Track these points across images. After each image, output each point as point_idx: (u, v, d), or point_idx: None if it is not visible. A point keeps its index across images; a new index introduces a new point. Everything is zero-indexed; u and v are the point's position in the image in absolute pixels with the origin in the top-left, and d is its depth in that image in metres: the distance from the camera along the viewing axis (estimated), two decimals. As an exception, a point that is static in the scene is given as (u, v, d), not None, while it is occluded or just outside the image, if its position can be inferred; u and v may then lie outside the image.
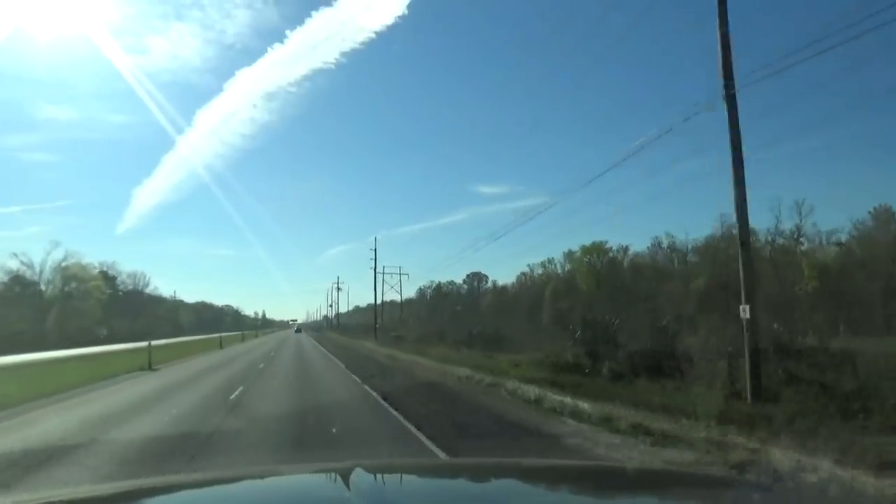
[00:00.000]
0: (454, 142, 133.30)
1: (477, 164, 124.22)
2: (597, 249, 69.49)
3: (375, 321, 61.98)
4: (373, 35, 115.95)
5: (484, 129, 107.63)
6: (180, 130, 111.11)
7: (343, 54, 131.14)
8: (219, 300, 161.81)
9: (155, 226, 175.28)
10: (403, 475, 2.80)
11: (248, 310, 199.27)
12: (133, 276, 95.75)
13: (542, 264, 79.73)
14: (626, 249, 69.71)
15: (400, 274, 66.69)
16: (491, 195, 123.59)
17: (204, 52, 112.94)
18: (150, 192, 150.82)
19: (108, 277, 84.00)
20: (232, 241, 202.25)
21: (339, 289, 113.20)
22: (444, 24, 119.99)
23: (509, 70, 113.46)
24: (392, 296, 72.91)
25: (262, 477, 2.79)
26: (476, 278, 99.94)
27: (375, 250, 64.37)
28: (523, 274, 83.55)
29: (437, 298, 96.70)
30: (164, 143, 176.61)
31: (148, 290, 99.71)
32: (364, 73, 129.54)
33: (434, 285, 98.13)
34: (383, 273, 65.93)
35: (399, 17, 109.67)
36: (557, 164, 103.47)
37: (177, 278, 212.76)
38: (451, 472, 3.02)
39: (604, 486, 2.51)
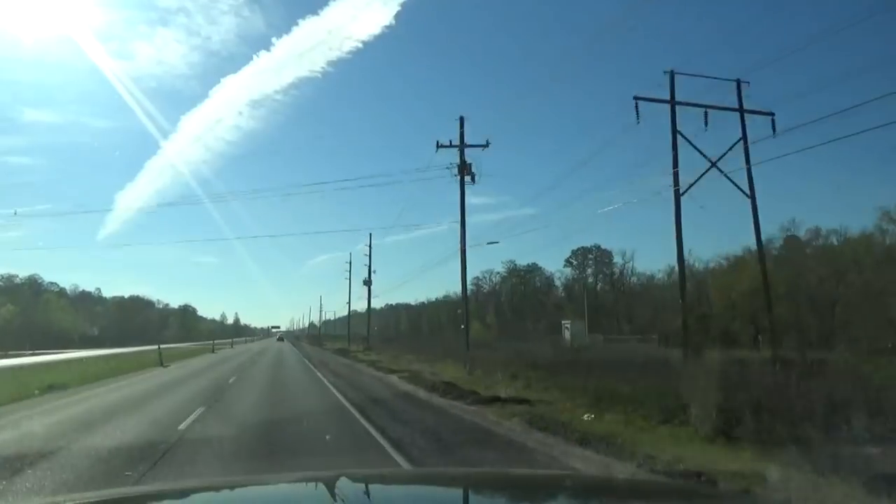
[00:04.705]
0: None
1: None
2: None
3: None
4: (360, 44, 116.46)
5: (469, 139, 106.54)
6: (165, 136, 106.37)
7: (330, 63, 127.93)
8: (183, 302, 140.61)
9: (137, 231, 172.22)
10: (389, 484, 2.78)
11: (215, 312, 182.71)
12: None
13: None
14: None
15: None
16: (476, 205, 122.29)
17: (189, 58, 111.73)
18: (133, 198, 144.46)
19: None
20: (215, 246, 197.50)
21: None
22: (430, 34, 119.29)
23: (494, 80, 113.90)
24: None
25: (246, 485, 2.76)
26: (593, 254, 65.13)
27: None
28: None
29: (482, 299, 64.62)
30: (148, 149, 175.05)
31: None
32: (350, 81, 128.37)
33: (483, 276, 63.22)
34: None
35: (386, 26, 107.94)
36: (542, 175, 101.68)
37: (160, 284, 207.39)
38: (438, 481, 2.99)
39: (590, 498, 2.50)
